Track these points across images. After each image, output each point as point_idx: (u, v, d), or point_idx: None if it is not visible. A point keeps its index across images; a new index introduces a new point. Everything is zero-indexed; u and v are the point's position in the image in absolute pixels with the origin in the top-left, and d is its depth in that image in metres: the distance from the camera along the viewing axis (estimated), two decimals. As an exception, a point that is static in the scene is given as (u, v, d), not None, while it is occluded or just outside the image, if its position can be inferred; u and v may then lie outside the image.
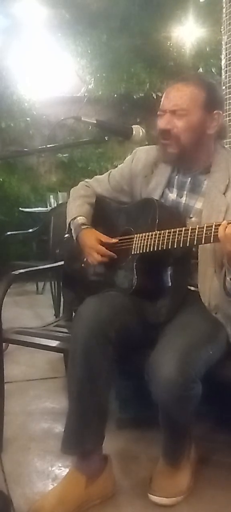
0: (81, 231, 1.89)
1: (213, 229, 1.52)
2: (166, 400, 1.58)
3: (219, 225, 1.50)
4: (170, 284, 1.77)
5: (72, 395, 1.67)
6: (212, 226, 1.53)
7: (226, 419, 2.16)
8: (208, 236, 1.53)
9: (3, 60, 5.79)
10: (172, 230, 1.62)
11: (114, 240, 1.84)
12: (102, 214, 1.96)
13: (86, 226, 1.91)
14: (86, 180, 2.09)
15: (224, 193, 1.73)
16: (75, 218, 1.93)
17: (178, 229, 1.61)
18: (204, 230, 1.54)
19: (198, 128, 1.72)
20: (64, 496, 1.66)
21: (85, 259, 1.90)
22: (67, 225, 1.98)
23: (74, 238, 1.92)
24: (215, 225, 1.52)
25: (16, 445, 2.10)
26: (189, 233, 1.58)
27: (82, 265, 1.94)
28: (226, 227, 1.48)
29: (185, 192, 1.81)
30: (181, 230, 1.60)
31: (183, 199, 1.81)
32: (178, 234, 1.61)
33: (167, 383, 1.51)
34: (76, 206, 1.96)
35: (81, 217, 1.92)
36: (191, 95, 1.70)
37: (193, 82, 1.72)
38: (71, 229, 1.95)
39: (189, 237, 1.58)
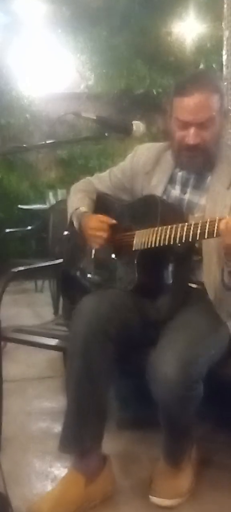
0: (84, 217, 1.86)
1: (216, 224, 1.50)
2: (166, 400, 1.56)
3: (222, 219, 1.48)
4: (171, 281, 1.75)
5: (70, 393, 1.66)
6: (215, 220, 1.50)
7: (228, 420, 2.14)
8: (210, 231, 1.51)
9: (3, 57, 5.77)
10: (174, 225, 1.60)
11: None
12: (103, 211, 1.93)
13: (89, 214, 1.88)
14: (87, 177, 2.07)
15: (228, 188, 1.72)
16: (77, 208, 1.90)
17: (180, 224, 1.59)
18: (207, 225, 1.52)
19: (220, 132, 1.74)
20: (63, 497, 1.65)
21: (86, 257, 1.88)
22: (69, 218, 1.95)
23: (77, 226, 1.88)
24: (219, 220, 1.50)
25: (14, 445, 2.08)
26: (192, 227, 1.55)
27: (82, 265, 1.92)
28: (228, 221, 1.46)
29: (188, 189, 1.80)
30: (184, 225, 1.58)
31: (187, 196, 1.79)
32: (181, 229, 1.58)
33: (168, 383, 1.50)
34: (78, 199, 1.94)
35: (83, 207, 1.89)
36: (212, 103, 1.68)
37: (210, 87, 1.70)
38: (72, 223, 1.91)
39: (191, 232, 1.55)
